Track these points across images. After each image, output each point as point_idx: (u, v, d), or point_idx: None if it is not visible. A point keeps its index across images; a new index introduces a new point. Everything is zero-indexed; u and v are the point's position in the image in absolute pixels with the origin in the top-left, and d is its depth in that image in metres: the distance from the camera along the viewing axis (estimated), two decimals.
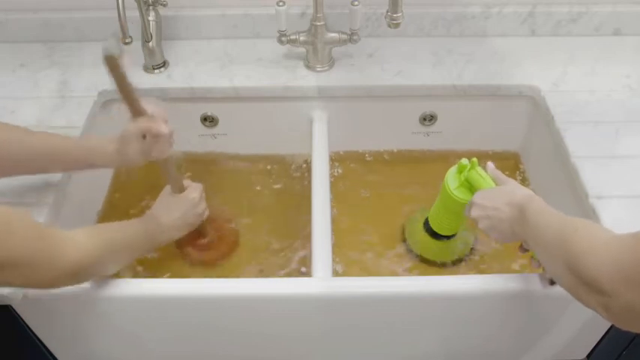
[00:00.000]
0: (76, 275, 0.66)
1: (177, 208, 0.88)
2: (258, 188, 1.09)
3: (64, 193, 0.89)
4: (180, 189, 0.89)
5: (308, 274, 0.91)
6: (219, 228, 1.00)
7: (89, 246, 0.67)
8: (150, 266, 0.95)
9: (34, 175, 0.84)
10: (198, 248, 0.97)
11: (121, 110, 1.03)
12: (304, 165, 1.12)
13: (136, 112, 0.77)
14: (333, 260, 0.89)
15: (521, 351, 0.90)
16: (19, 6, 1.09)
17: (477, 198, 0.77)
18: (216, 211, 1.01)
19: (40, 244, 0.60)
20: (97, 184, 1.05)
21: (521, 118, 1.08)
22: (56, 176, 0.87)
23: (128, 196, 1.06)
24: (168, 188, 0.90)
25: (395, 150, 1.14)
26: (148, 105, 0.78)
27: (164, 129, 0.78)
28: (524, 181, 1.12)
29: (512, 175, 1.14)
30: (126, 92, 0.74)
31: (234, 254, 0.99)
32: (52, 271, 0.62)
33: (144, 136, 0.78)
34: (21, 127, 0.77)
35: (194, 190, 0.91)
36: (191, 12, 1.11)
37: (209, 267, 0.97)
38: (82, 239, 0.66)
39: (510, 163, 1.15)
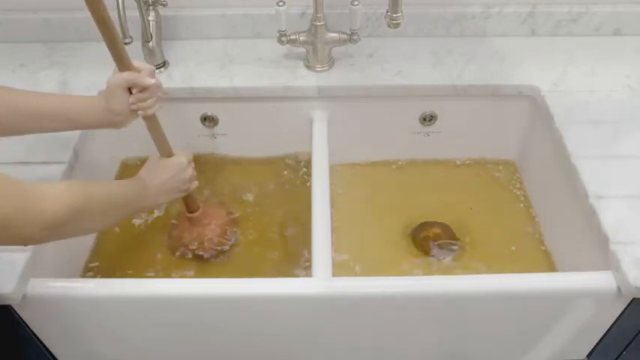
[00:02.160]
0: (56, 229, 0.64)
1: (164, 170, 0.86)
2: (258, 188, 1.09)
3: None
4: (169, 153, 0.88)
5: (308, 274, 0.91)
6: (216, 215, 1.00)
7: (69, 198, 0.65)
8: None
9: (36, 171, 0.84)
10: (190, 225, 0.97)
11: None
12: (304, 165, 1.12)
13: (123, 64, 0.76)
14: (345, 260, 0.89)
15: (522, 351, 0.90)
16: (19, 6, 1.09)
17: None
18: (214, 206, 1.02)
19: (18, 201, 0.60)
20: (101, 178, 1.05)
21: (521, 118, 1.08)
22: (57, 172, 0.87)
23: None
24: (156, 154, 0.89)
25: (396, 154, 1.14)
26: (134, 60, 0.77)
27: (150, 80, 0.77)
28: (523, 182, 1.12)
29: (512, 176, 1.14)
30: (113, 40, 0.72)
31: (233, 255, 0.99)
32: (32, 226, 0.61)
33: (130, 91, 0.78)
34: (3, 86, 0.75)
35: (182, 156, 0.89)
36: (191, 12, 1.11)
37: (206, 251, 0.97)
38: (61, 192, 0.65)
39: (510, 163, 1.15)
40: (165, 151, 0.88)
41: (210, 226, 0.98)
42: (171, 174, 0.86)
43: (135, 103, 0.79)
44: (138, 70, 0.77)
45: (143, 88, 0.78)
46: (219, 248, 0.98)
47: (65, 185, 0.68)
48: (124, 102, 0.78)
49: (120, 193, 0.78)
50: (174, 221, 1.02)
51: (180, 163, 0.88)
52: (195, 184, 0.93)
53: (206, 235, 0.98)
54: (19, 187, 0.61)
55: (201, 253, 0.97)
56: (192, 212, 0.97)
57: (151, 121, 0.84)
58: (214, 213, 1.01)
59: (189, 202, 0.95)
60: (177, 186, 0.88)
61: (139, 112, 0.81)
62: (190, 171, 0.90)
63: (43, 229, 0.63)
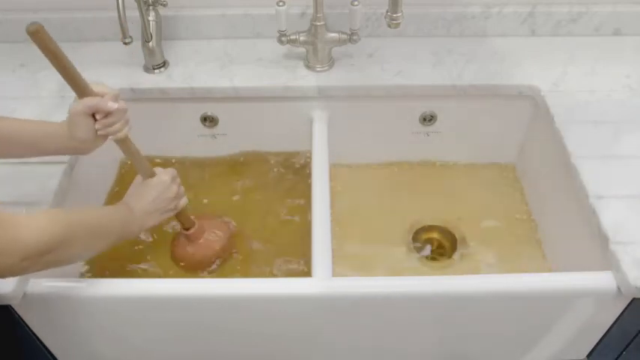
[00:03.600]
0: (37, 259, 0.63)
1: (148, 192, 0.84)
2: (257, 188, 1.09)
3: (64, 193, 0.89)
4: (150, 174, 0.85)
5: (308, 273, 0.91)
6: (215, 228, 0.99)
7: (50, 228, 0.64)
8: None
9: (33, 176, 0.84)
10: (186, 243, 0.95)
11: None
12: (304, 165, 1.12)
13: (81, 90, 0.73)
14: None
15: (522, 351, 0.90)
16: (19, 6, 1.09)
17: None
18: (209, 217, 1.01)
19: None
20: (98, 184, 1.05)
21: (521, 119, 1.08)
22: (55, 177, 0.87)
23: None
24: (139, 176, 0.86)
25: (396, 154, 1.14)
26: (94, 85, 0.75)
27: (113, 105, 0.74)
28: (523, 182, 1.12)
29: (512, 176, 1.14)
30: (64, 69, 0.70)
31: (233, 255, 0.99)
32: (10, 256, 0.60)
33: (93, 116, 0.75)
34: None
35: (165, 174, 0.86)
36: (191, 12, 1.11)
37: (204, 269, 0.97)
38: (40, 222, 0.63)
39: (510, 163, 1.15)
40: (147, 172, 0.85)
41: (210, 241, 0.97)
42: (155, 194, 0.84)
43: (102, 128, 0.76)
44: (100, 95, 0.75)
45: (107, 113, 0.75)
46: (219, 261, 0.97)
47: (46, 214, 0.66)
48: (88, 129, 0.75)
49: (104, 220, 0.76)
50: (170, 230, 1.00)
51: (163, 181, 0.85)
52: (185, 200, 0.90)
53: (207, 251, 0.97)
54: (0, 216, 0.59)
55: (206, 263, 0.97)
56: (187, 229, 0.94)
57: (125, 144, 0.81)
58: (210, 225, 0.99)
59: (182, 220, 0.93)
60: (163, 206, 0.85)
61: (110, 137, 0.78)
62: (175, 188, 0.87)
63: (22, 259, 0.61)
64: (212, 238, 0.97)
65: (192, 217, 0.95)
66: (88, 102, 0.74)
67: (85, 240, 0.70)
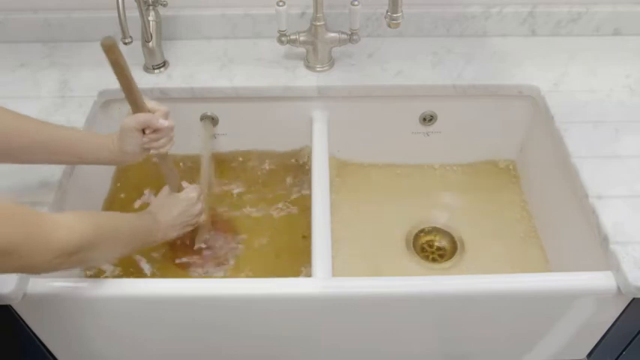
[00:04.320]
0: (67, 258, 0.64)
1: (175, 206, 0.88)
2: (257, 188, 1.09)
3: (64, 192, 0.89)
4: (179, 188, 0.90)
5: (308, 274, 0.91)
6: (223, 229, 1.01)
7: (80, 228, 0.65)
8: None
9: (33, 175, 0.84)
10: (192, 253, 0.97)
11: (122, 111, 1.04)
12: (304, 165, 1.12)
13: (138, 107, 0.77)
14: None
15: (522, 351, 0.90)
16: (19, 6, 1.09)
17: None
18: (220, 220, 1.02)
19: (29, 229, 0.60)
20: (98, 183, 1.05)
21: (521, 118, 1.08)
22: (56, 175, 0.87)
23: (131, 194, 1.06)
24: (166, 188, 0.90)
25: (396, 154, 1.14)
26: (148, 101, 0.78)
27: (164, 122, 0.78)
28: (523, 182, 1.12)
29: (512, 176, 1.14)
30: (128, 84, 0.73)
31: (233, 255, 0.99)
32: (43, 254, 0.61)
33: (143, 131, 0.78)
34: (20, 114, 0.75)
35: (192, 190, 0.91)
36: (191, 12, 1.11)
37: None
38: (72, 222, 0.65)
39: (510, 163, 1.15)
40: (176, 187, 0.89)
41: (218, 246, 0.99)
42: (181, 210, 0.88)
43: (148, 143, 0.80)
44: (152, 111, 0.78)
45: (157, 130, 0.79)
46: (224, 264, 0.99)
47: (77, 215, 0.68)
48: (136, 144, 0.79)
49: (130, 227, 0.78)
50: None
51: (190, 198, 0.89)
52: (203, 217, 0.94)
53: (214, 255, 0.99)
54: (31, 216, 0.61)
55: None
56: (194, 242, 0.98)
57: (163, 159, 0.85)
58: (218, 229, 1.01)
59: (195, 236, 0.96)
60: (187, 220, 0.89)
61: (152, 152, 0.81)
62: (200, 206, 0.91)
63: (55, 257, 0.63)
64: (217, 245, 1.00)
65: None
66: (141, 118, 0.77)
67: (111, 243, 0.73)
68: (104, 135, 0.82)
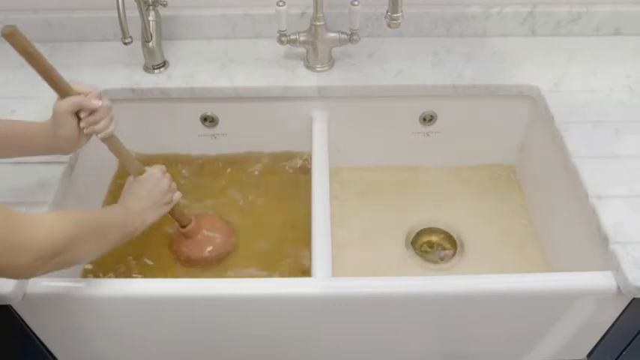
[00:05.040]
0: (48, 260, 0.62)
1: (140, 187, 0.84)
2: (257, 188, 1.09)
3: (64, 193, 0.89)
4: (140, 171, 0.86)
5: (308, 273, 0.91)
6: (214, 226, 0.99)
7: (61, 228, 0.63)
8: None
9: (33, 175, 0.84)
10: (183, 240, 0.96)
11: (123, 111, 1.04)
12: (304, 165, 1.12)
13: (62, 90, 0.73)
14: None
15: (522, 351, 0.90)
16: (19, 6, 1.09)
17: None
18: (207, 215, 1.01)
19: (8, 228, 0.58)
20: (98, 184, 1.05)
21: (521, 118, 1.08)
22: (55, 176, 0.87)
23: None
24: (130, 177, 0.87)
25: (396, 154, 1.14)
26: (75, 84, 0.75)
27: (98, 102, 0.75)
28: (523, 182, 1.12)
29: (511, 176, 1.14)
30: (43, 68, 0.70)
31: (233, 254, 0.99)
32: (22, 257, 0.59)
33: (77, 115, 0.75)
34: None
35: (154, 168, 0.87)
36: (191, 12, 1.11)
37: (205, 266, 0.97)
38: (52, 222, 0.63)
39: (510, 163, 1.15)
40: (136, 170, 0.85)
41: (208, 236, 0.97)
42: (148, 189, 0.84)
43: (87, 127, 0.76)
44: (83, 93, 0.75)
45: (92, 111, 0.76)
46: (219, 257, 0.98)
47: (56, 214, 0.66)
48: (72, 128, 0.76)
49: (107, 220, 0.75)
50: (170, 230, 1.00)
51: (153, 174, 0.86)
52: (178, 194, 0.90)
53: (205, 245, 0.97)
54: (10, 215, 0.59)
55: (206, 258, 0.97)
56: (184, 226, 0.95)
57: (112, 142, 0.81)
58: (208, 222, 0.99)
59: (178, 217, 0.93)
60: (158, 199, 0.85)
61: (99, 135, 0.78)
62: (167, 181, 0.87)
63: (36, 260, 0.60)
64: (210, 234, 0.97)
65: (191, 216, 0.95)
66: (73, 100, 0.74)
67: (92, 240, 0.70)
68: (39, 123, 0.78)
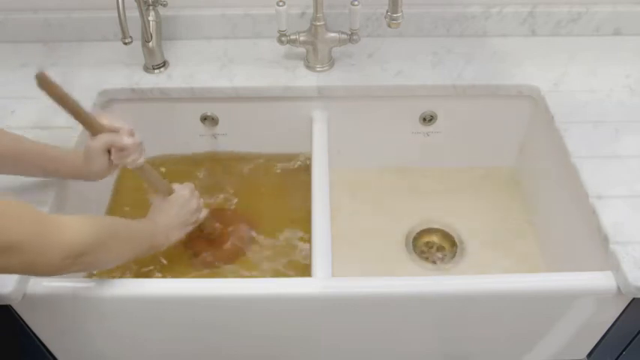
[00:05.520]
0: (74, 259, 0.64)
1: (170, 207, 0.87)
2: (257, 188, 1.09)
3: (64, 193, 0.89)
4: (169, 191, 0.89)
5: (308, 273, 0.91)
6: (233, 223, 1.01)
7: (88, 231, 0.66)
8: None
9: (33, 181, 0.84)
10: (209, 246, 0.98)
11: (123, 111, 1.04)
12: (304, 165, 1.12)
13: (94, 128, 0.76)
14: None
15: (522, 351, 0.90)
16: (19, 6, 1.09)
17: None
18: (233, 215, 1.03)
19: (37, 227, 0.60)
20: (99, 184, 1.05)
21: (521, 119, 1.08)
22: (54, 183, 0.87)
23: (131, 196, 1.06)
24: (159, 196, 0.89)
25: (396, 154, 1.14)
26: (107, 120, 0.78)
27: (129, 140, 0.78)
28: (523, 182, 1.12)
29: (511, 176, 1.14)
30: (74, 109, 0.73)
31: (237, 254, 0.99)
32: (50, 256, 0.61)
33: (109, 151, 0.79)
34: None
35: (182, 189, 0.90)
36: (191, 12, 1.11)
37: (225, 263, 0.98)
38: (80, 224, 0.65)
39: (510, 163, 1.15)
40: (166, 191, 0.89)
41: (229, 237, 1.00)
42: (177, 209, 0.87)
43: (118, 159, 0.79)
44: (115, 130, 0.78)
45: (123, 148, 0.78)
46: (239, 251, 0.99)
47: (86, 217, 0.68)
48: (103, 164, 0.79)
49: (133, 230, 0.78)
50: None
51: (183, 196, 0.89)
52: (205, 212, 0.93)
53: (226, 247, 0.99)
54: (40, 215, 0.62)
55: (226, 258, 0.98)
56: (209, 234, 0.98)
57: (142, 171, 0.84)
58: (227, 220, 1.02)
59: (203, 229, 0.96)
60: (185, 219, 0.89)
61: (128, 166, 0.81)
62: (195, 201, 0.91)
63: (63, 258, 0.63)
64: (230, 235, 1.00)
65: (215, 223, 0.98)
66: (106, 139, 0.77)
67: (118, 246, 0.73)
68: (70, 151, 0.82)
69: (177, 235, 0.88)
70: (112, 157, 0.79)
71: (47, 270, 0.64)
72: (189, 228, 0.91)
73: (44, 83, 0.68)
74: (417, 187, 1.12)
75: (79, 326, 0.82)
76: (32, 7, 1.09)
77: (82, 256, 0.65)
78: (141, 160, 0.82)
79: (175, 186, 0.90)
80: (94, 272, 0.91)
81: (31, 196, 0.84)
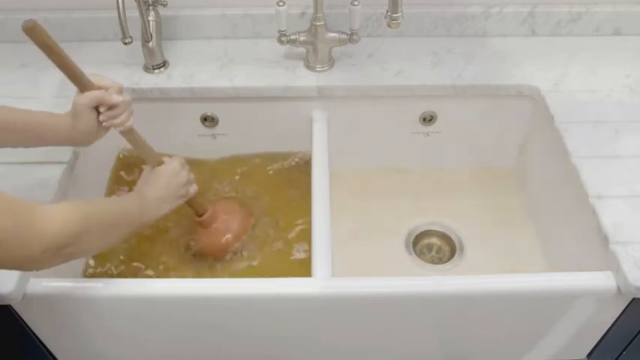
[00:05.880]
0: (57, 250, 0.62)
1: (158, 179, 0.84)
2: (258, 188, 1.09)
3: (64, 193, 0.89)
4: (159, 162, 0.86)
5: (307, 274, 0.91)
6: (227, 210, 1.00)
7: (69, 220, 0.63)
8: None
9: (33, 175, 0.84)
10: (203, 227, 0.97)
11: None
12: (304, 165, 1.12)
13: (82, 84, 0.74)
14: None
15: (522, 351, 0.90)
16: (19, 6, 1.09)
17: None
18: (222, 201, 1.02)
19: (17, 217, 0.58)
20: (97, 184, 1.05)
21: (521, 118, 1.08)
22: (55, 176, 0.87)
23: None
24: (148, 167, 0.87)
25: (396, 154, 1.14)
26: (96, 78, 0.75)
27: (118, 98, 0.76)
28: (523, 181, 1.12)
29: (511, 175, 1.14)
30: (63, 62, 0.70)
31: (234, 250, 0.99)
32: (31, 246, 0.59)
33: (97, 109, 0.76)
34: None
35: (174, 160, 0.87)
36: (191, 12, 1.11)
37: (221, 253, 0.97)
38: (62, 213, 0.63)
39: (510, 163, 1.15)
40: (155, 161, 0.86)
41: (225, 223, 0.98)
42: (166, 181, 0.84)
43: (106, 120, 0.77)
44: (104, 88, 0.76)
45: (112, 106, 0.76)
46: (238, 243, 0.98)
47: (66, 206, 0.65)
48: (91, 122, 0.77)
49: (119, 210, 0.75)
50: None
51: (173, 168, 0.86)
52: (195, 187, 0.90)
53: (223, 233, 0.97)
54: (19, 205, 0.59)
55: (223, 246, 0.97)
56: (200, 215, 0.95)
57: (131, 135, 0.82)
58: (224, 208, 1.00)
59: (194, 206, 0.94)
60: (175, 191, 0.85)
61: (117, 129, 0.79)
62: (185, 174, 0.87)
63: (43, 251, 0.60)
64: (227, 219, 0.98)
65: (207, 205, 0.96)
66: (93, 95, 0.74)
67: (102, 231, 0.70)
68: (59, 114, 0.79)
69: (166, 208, 0.84)
70: (101, 117, 0.77)
71: (23, 263, 0.61)
72: (180, 201, 0.87)
73: (34, 32, 0.65)
74: (417, 187, 1.12)
75: (79, 326, 0.82)
76: (32, 7, 1.09)
77: (64, 248, 0.62)
78: (129, 123, 0.79)
79: (165, 159, 0.87)
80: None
81: (30, 196, 0.84)
